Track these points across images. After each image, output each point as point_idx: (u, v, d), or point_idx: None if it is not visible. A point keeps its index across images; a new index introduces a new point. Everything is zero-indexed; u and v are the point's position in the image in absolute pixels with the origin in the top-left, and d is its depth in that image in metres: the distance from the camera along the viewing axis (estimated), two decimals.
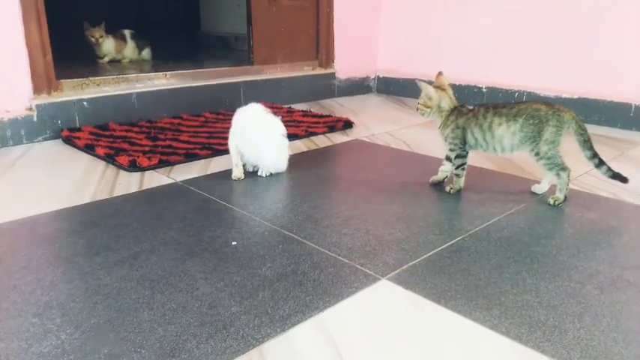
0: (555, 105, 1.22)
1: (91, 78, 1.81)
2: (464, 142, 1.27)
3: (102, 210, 1.17)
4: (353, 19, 2.54)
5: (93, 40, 2.40)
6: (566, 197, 1.23)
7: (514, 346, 0.72)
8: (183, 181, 1.35)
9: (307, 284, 0.87)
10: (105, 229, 1.07)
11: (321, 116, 2.03)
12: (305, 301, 0.82)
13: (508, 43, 2.26)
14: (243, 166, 1.39)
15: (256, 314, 0.78)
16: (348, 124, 1.93)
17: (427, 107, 1.30)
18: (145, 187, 1.31)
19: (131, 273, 0.90)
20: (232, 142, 1.36)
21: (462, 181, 1.30)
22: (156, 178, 1.36)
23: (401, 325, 0.78)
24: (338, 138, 1.81)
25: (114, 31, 2.50)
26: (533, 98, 2.13)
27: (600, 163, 1.22)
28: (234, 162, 1.37)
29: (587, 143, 1.21)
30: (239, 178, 1.36)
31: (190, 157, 1.51)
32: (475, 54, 2.36)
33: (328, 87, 2.49)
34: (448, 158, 1.32)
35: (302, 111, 2.10)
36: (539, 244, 1.05)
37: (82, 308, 0.80)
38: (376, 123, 2.05)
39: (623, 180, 1.23)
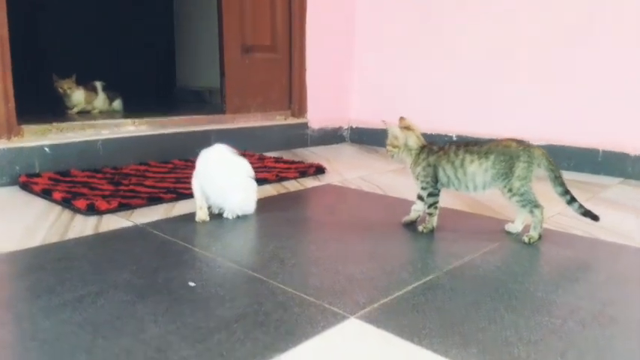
0: (525, 142, 1.21)
1: (54, 124, 1.76)
2: (436, 180, 1.24)
3: (51, 253, 1.09)
4: (325, 71, 2.57)
5: (61, 91, 2.37)
6: (540, 236, 1.20)
7: None
8: (143, 224, 1.28)
9: (269, 325, 0.80)
10: (52, 272, 0.99)
11: (293, 162, 1.99)
12: (265, 342, 0.75)
13: (479, 92, 2.30)
14: (209, 208, 1.33)
15: (209, 358, 0.70)
16: (320, 170, 1.90)
17: (395, 147, 1.28)
18: (102, 230, 1.23)
19: (73, 317, 0.81)
20: (196, 184, 1.30)
21: (434, 220, 1.25)
22: (114, 222, 1.29)
23: None
24: (310, 183, 1.77)
25: (85, 82, 2.48)
26: None
27: (572, 200, 1.20)
28: (198, 204, 1.31)
29: (557, 179, 1.19)
30: (203, 221, 1.30)
31: (154, 200, 1.44)
32: (446, 103, 2.40)
33: (301, 136, 2.48)
34: (420, 197, 1.28)
35: (274, 158, 2.07)
36: (516, 281, 0.99)
37: (13, 355, 0.71)
38: (349, 169, 2.03)
39: (594, 217, 1.20)
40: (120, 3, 3.40)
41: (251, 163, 1.39)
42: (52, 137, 1.72)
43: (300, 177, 1.82)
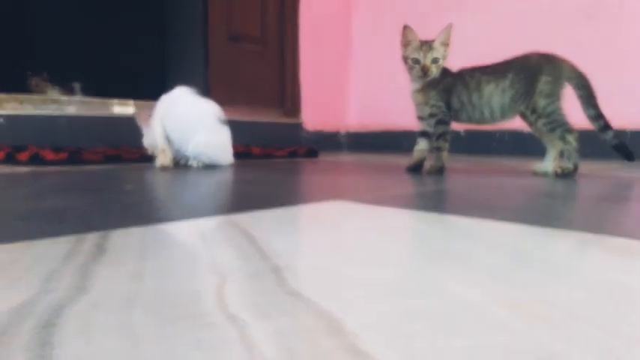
0: (551, 54, 1.01)
1: (13, 94, 1.58)
2: (448, 107, 1.03)
3: None
4: (321, 70, 2.42)
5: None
6: (576, 167, 0.97)
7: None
8: (90, 170, 1.06)
9: (218, 201, 0.58)
10: None
11: (282, 148, 1.80)
12: (210, 209, 0.52)
13: None
14: (174, 160, 1.12)
15: (117, 213, 0.48)
16: (312, 152, 1.69)
17: (442, 59, 1.03)
18: (40, 171, 1.02)
19: None
20: (158, 125, 1.10)
21: (444, 156, 1.03)
22: (57, 168, 1.07)
23: (364, 228, 0.48)
24: (300, 160, 1.56)
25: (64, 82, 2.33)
26: (517, 137, 1.95)
27: (605, 127, 0.98)
28: (160, 146, 1.10)
29: (590, 99, 0.98)
30: (165, 167, 1.08)
31: (111, 159, 1.23)
32: None
33: (294, 138, 2.29)
34: (423, 134, 1.07)
35: (262, 146, 1.87)
36: (551, 188, 0.77)
37: None
38: (347, 157, 1.82)
39: (629, 155, 0.98)
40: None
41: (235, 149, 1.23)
42: (8, 107, 1.53)
43: (289, 157, 1.61)
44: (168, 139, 1.11)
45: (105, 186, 0.75)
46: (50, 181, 0.79)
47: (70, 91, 2.33)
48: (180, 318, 0.22)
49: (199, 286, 0.27)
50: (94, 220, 0.44)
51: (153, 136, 1.11)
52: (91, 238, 0.37)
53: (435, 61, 1.01)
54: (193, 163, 1.11)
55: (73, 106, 1.67)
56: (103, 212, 0.49)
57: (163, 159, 1.09)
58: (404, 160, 1.14)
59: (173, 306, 0.24)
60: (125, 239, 0.37)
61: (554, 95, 0.98)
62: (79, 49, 2.63)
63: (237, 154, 1.30)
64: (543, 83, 0.98)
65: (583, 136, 0.98)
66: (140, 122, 1.14)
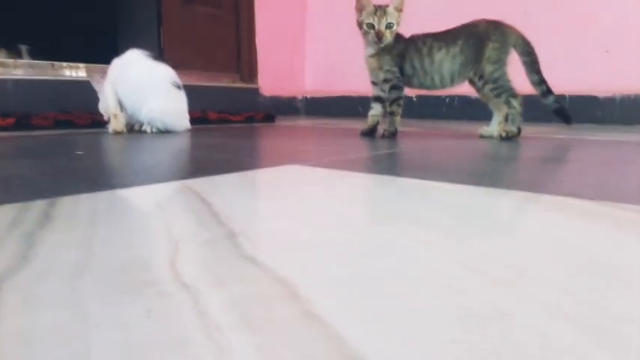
0: (498, 21, 1.03)
1: None
2: (400, 72, 1.04)
3: None
4: (277, 35, 2.38)
5: None
6: (520, 130, 1.01)
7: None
8: (40, 136, 1.02)
9: (174, 167, 0.57)
10: None
11: (239, 114, 1.77)
12: (164, 174, 0.51)
13: None
14: (127, 125, 1.09)
15: (67, 179, 0.47)
16: (269, 117, 1.68)
17: (396, 25, 1.01)
18: None
19: None
20: (110, 90, 1.06)
21: (397, 121, 1.05)
22: (3, 134, 1.02)
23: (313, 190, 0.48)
24: (257, 125, 1.55)
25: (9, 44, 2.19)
26: (465, 102, 1.98)
27: (547, 92, 1.02)
28: (112, 111, 1.06)
29: (534, 65, 1.01)
30: (118, 132, 1.05)
31: (62, 124, 1.19)
32: None
33: (251, 104, 2.26)
34: (377, 99, 1.07)
35: (218, 111, 1.84)
36: (496, 149, 0.80)
37: None
38: (304, 121, 1.82)
39: (567, 118, 1.05)
40: None
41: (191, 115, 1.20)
42: None
43: (245, 122, 1.59)
44: (121, 104, 1.07)
45: (55, 152, 0.72)
46: None
47: (17, 54, 2.20)
48: (131, 287, 0.22)
49: (152, 253, 0.27)
50: (42, 188, 0.43)
51: (106, 101, 1.07)
52: (37, 206, 0.36)
53: (389, 26, 1.00)
54: (147, 128, 1.08)
55: (20, 69, 1.58)
56: (51, 179, 0.47)
57: (115, 124, 1.05)
58: (359, 125, 1.15)
59: (124, 275, 0.24)
60: (74, 206, 0.36)
61: (501, 61, 1.00)
62: (27, 10, 2.49)
63: (194, 120, 1.28)
64: (491, 49, 1.00)
65: (526, 100, 1.02)
66: (95, 84, 1.10)
